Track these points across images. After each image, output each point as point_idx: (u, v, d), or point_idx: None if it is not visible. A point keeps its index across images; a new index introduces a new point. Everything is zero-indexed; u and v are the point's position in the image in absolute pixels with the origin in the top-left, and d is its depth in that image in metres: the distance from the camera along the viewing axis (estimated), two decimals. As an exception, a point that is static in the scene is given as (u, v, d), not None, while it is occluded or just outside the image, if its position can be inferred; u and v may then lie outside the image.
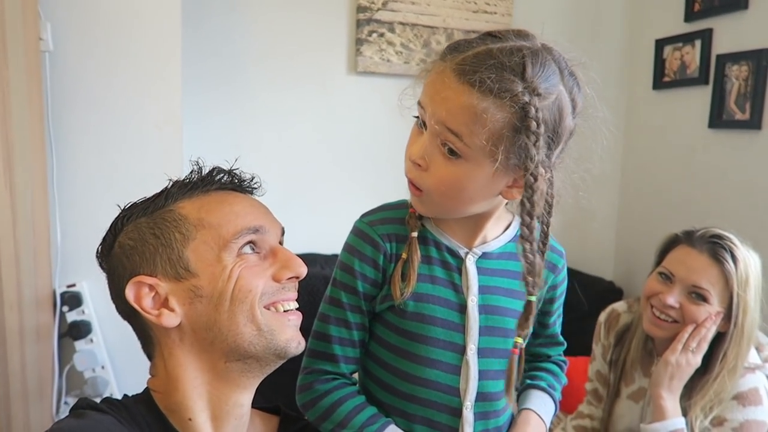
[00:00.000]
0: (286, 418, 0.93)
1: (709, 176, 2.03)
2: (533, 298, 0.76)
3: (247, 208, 0.80)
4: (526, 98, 0.70)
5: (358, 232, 0.88)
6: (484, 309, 0.86)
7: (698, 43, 2.03)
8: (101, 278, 0.81)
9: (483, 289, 0.86)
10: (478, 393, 0.86)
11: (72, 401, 1.65)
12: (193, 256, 0.76)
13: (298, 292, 0.86)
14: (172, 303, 0.75)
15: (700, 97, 2.04)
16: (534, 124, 0.70)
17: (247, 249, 0.78)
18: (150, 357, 0.81)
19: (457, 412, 0.86)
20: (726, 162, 1.96)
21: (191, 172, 0.82)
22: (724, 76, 1.93)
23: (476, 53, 0.72)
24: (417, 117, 0.80)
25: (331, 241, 0.90)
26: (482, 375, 0.86)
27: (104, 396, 1.63)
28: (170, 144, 1.67)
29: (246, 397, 0.81)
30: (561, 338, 1.03)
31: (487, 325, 0.86)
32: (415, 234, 0.85)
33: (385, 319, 0.88)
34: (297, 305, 0.82)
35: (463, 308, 0.86)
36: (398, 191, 0.93)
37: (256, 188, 0.87)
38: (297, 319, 0.81)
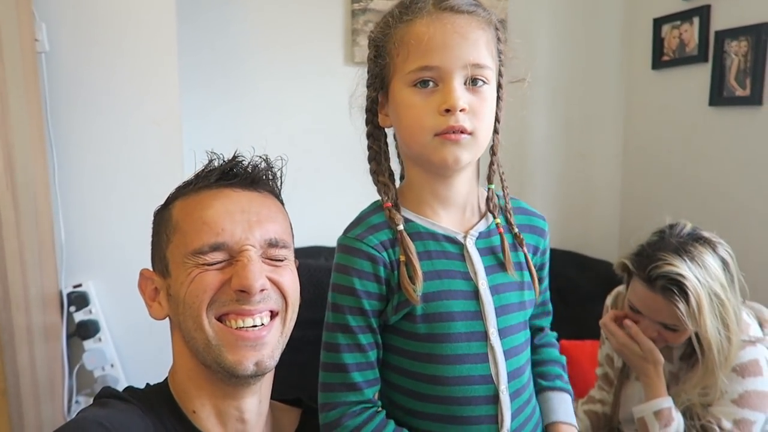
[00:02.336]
0: (308, 410, 0.92)
1: (711, 154, 2.02)
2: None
3: (221, 217, 0.76)
4: (495, 16, 0.81)
5: (348, 249, 0.82)
6: (494, 290, 0.84)
7: (696, 20, 2.01)
8: (107, 277, 0.84)
9: (488, 270, 0.85)
10: (508, 373, 0.84)
11: (83, 400, 1.66)
12: (171, 257, 0.78)
13: (302, 284, 0.84)
14: (160, 297, 0.80)
15: (700, 75, 2.02)
16: (504, 36, 0.80)
17: (215, 255, 0.75)
18: None
19: (495, 399, 0.83)
20: (728, 139, 1.95)
21: (206, 165, 0.84)
22: (724, 53, 1.91)
23: None
24: (418, 84, 0.79)
25: (335, 234, 0.87)
26: (507, 354, 0.84)
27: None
28: (170, 140, 1.67)
29: (243, 404, 0.79)
30: (550, 306, 1.02)
31: (501, 305, 0.84)
32: (401, 226, 0.82)
33: (401, 329, 0.83)
34: (260, 322, 0.76)
35: (476, 294, 0.83)
36: (396, 181, 0.92)
37: (259, 181, 0.85)
38: (256, 340, 0.75)
